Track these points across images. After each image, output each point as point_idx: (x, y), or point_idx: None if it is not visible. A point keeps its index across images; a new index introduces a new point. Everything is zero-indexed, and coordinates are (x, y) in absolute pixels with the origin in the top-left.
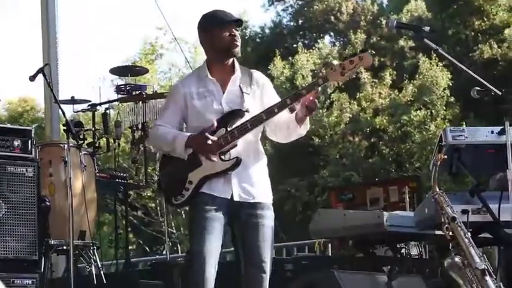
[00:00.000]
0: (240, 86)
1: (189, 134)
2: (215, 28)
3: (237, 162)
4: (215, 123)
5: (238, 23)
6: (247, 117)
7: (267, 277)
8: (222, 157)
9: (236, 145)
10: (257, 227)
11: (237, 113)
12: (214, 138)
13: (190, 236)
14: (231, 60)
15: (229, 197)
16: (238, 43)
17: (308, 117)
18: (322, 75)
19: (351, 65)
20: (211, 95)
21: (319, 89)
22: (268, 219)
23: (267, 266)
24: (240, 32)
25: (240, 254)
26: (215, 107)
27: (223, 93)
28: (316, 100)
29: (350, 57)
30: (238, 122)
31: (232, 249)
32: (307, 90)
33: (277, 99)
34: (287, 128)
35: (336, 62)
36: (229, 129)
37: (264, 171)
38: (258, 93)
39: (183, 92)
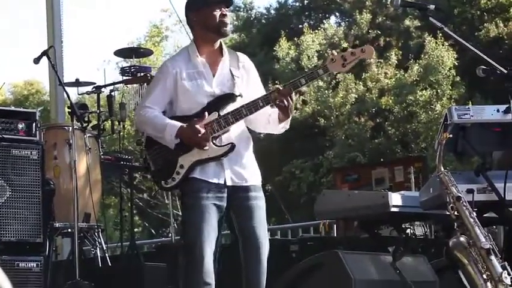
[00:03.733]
0: (230, 69)
1: (179, 124)
2: (205, 7)
3: (231, 148)
4: (206, 115)
5: (228, 2)
6: (239, 101)
7: (265, 256)
8: (215, 142)
9: (229, 130)
10: (251, 209)
11: (230, 96)
12: (204, 130)
13: (186, 225)
14: (219, 42)
15: (223, 182)
16: (228, 22)
17: (289, 118)
18: (323, 64)
19: (353, 56)
20: (201, 76)
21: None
22: (260, 200)
23: (265, 245)
24: (244, 13)
25: (238, 235)
26: (206, 89)
27: (213, 76)
28: (288, 102)
29: (352, 49)
30: (230, 107)
31: (228, 231)
32: (307, 79)
33: (260, 85)
34: (266, 121)
35: (335, 52)
36: (221, 113)
37: (252, 154)
38: (245, 76)
39: (172, 71)
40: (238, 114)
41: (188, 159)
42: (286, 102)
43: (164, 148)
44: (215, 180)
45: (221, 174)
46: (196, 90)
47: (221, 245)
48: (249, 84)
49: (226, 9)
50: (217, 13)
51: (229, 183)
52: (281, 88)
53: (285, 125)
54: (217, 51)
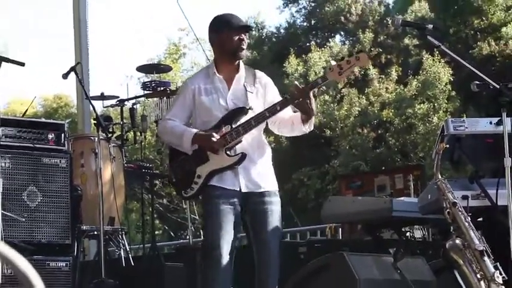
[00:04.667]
0: (244, 84)
1: (196, 130)
2: (226, 31)
3: (242, 157)
4: (223, 130)
5: (248, 29)
6: (250, 114)
7: (277, 260)
8: (228, 153)
9: (241, 141)
10: (265, 214)
11: (241, 110)
12: (218, 136)
13: (205, 229)
14: (236, 61)
15: (238, 189)
16: (245, 47)
17: (313, 118)
18: (322, 75)
19: (348, 65)
20: (217, 91)
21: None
22: (275, 205)
23: (277, 250)
24: (256, 32)
25: (251, 238)
26: (221, 104)
27: (229, 90)
28: (307, 102)
29: (347, 58)
30: (243, 119)
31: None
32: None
33: (279, 97)
34: (291, 124)
35: (333, 62)
36: (234, 126)
37: (268, 161)
38: (261, 91)
39: (191, 88)
40: (247, 126)
41: (205, 170)
42: (304, 99)
43: (184, 160)
44: (231, 187)
45: (236, 182)
46: (212, 105)
47: (237, 247)
48: (267, 97)
49: (245, 34)
50: (236, 38)
51: (244, 189)
52: (297, 87)
53: (310, 126)
54: (235, 68)
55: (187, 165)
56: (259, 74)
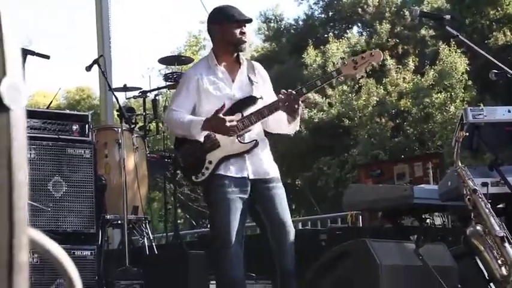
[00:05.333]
0: (248, 76)
1: (203, 118)
2: (227, 23)
3: (256, 144)
4: (225, 104)
5: (249, 21)
6: (259, 103)
7: (292, 236)
8: (240, 139)
9: (251, 130)
10: (273, 197)
11: (251, 99)
12: (229, 117)
13: (213, 219)
14: (235, 53)
15: (246, 175)
16: (246, 40)
17: (298, 119)
18: (336, 68)
19: (362, 60)
20: (221, 81)
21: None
22: (280, 189)
23: (290, 227)
24: (274, 24)
25: (265, 223)
26: (227, 92)
27: (233, 81)
28: (296, 105)
29: (362, 53)
30: (251, 109)
31: (252, 224)
32: (322, 82)
33: (272, 93)
34: (279, 122)
35: (348, 58)
36: (245, 114)
37: (269, 151)
38: (261, 83)
39: (194, 78)
40: (260, 115)
41: (216, 156)
42: (292, 103)
43: (193, 147)
44: (239, 175)
45: (244, 169)
46: (219, 93)
47: (244, 235)
48: (265, 90)
49: (246, 26)
50: (237, 30)
51: (251, 176)
52: (286, 93)
53: (295, 126)
54: (235, 60)
55: (197, 151)
56: (257, 65)
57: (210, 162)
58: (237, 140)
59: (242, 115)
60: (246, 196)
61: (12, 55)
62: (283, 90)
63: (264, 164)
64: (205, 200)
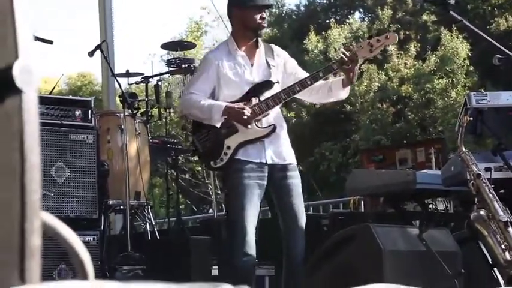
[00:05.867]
0: (266, 59)
1: (225, 103)
2: (249, 8)
3: (273, 129)
4: (253, 100)
5: (269, 7)
6: (276, 88)
7: (303, 228)
8: (258, 124)
9: (269, 114)
10: (290, 187)
11: (268, 83)
12: (250, 110)
13: (230, 202)
14: (254, 37)
15: (264, 161)
16: (266, 25)
17: (349, 85)
18: (352, 51)
19: (378, 43)
20: (241, 66)
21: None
22: (297, 179)
23: (303, 218)
24: (276, 10)
25: (278, 211)
26: (247, 78)
27: (252, 65)
28: (354, 67)
29: (377, 36)
30: (268, 93)
31: (267, 207)
32: (338, 65)
33: (298, 68)
34: (328, 90)
35: (364, 41)
36: (261, 98)
37: (287, 136)
38: (281, 65)
39: (215, 63)
40: (278, 99)
41: (235, 141)
42: (353, 65)
43: (211, 132)
44: (257, 160)
45: (262, 154)
46: (238, 79)
47: (259, 219)
48: (286, 69)
49: (266, 12)
50: (258, 15)
51: (269, 161)
52: (347, 53)
53: (347, 92)
54: (254, 44)
55: (215, 136)
56: (276, 48)
57: (229, 148)
58: (255, 124)
59: (259, 99)
60: (263, 182)
61: (25, 38)
62: (342, 50)
63: (283, 149)
64: (224, 184)
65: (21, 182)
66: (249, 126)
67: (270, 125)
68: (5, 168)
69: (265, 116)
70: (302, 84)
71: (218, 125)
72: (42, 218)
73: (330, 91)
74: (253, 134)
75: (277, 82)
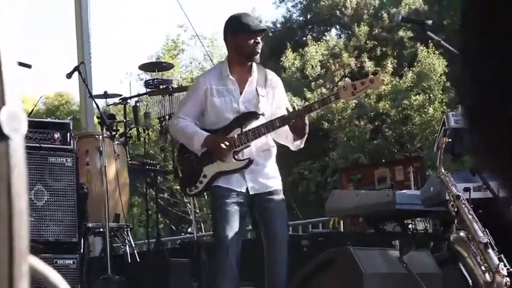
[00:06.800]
0: (256, 88)
1: (206, 134)
2: (242, 33)
3: (250, 162)
4: (234, 135)
5: (263, 31)
6: (261, 119)
7: (285, 250)
8: (236, 157)
9: (249, 146)
10: (274, 210)
11: (253, 115)
12: (227, 143)
13: (214, 225)
14: (249, 63)
15: (244, 190)
16: (260, 50)
17: (304, 137)
18: (335, 92)
19: (362, 86)
20: (230, 94)
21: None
22: (281, 202)
23: (284, 242)
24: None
25: (262, 234)
26: (233, 106)
27: (241, 93)
28: (305, 126)
29: (362, 79)
30: (253, 124)
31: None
32: (319, 105)
33: (285, 100)
34: (285, 137)
35: (348, 81)
36: (244, 130)
37: (274, 162)
38: (271, 94)
39: (204, 87)
40: (257, 132)
41: (212, 170)
42: (299, 123)
43: (192, 158)
44: (238, 189)
45: (243, 184)
46: (224, 107)
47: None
48: (274, 100)
49: (260, 37)
50: (251, 41)
51: (251, 192)
52: (292, 109)
53: (300, 144)
54: (247, 70)
55: (195, 163)
56: (270, 75)
57: (205, 176)
58: (233, 157)
59: (241, 130)
60: (245, 209)
61: (11, 83)
62: (288, 107)
63: (265, 177)
64: (210, 209)
65: (9, 227)
66: (224, 159)
67: (246, 158)
68: None
69: (246, 147)
70: (282, 120)
71: (199, 154)
72: (31, 263)
73: (286, 138)
74: (230, 166)
75: (262, 114)
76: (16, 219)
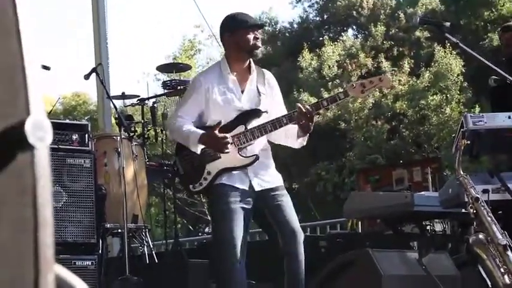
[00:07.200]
0: (257, 86)
1: (201, 132)
2: (240, 29)
3: (256, 159)
4: (239, 128)
5: (261, 26)
6: (264, 117)
7: (302, 243)
8: (241, 153)
9: (254, 143)
10: (281, 205)
11: (257, 112)
12: (222, 135)
13: (217, 226)
14: (248, 60)
15: (248, 188)
16: (260, 45)
17: (307, 136)
18: (344, 90)
19: (371, 84)
20: (231, 92)
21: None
22: (286, 196)
23: (300, 234)
24: (269, 28)
25: (276, 230)
26: (236, 105)
27: (242, 92)
28: (309, 121)
29: (371, 77)
30: (256, 121)
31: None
32: (328, 102)
33: (281, 102)
34: (285, 135)
35: (358, 81)
36: (248, 127)
37: (272, 161)
38: (269, 92)
39: (205, 87)
40: (263, 129)
41: (215, 167)
42: (307, 121)
43: (192, 155)
44: (241, 186)
45: (246, 181)
46: (227, 105)
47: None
48: (273, 99)
49: (259, 32)
50: (251, 36)
51: (257, 188)
52: (303, 109)
53: (303, 141)
54: (247, 69)
55: (197, 160)
56: (268, 74)
57: (209, 173)
58: (237, 153)
59: (246, 128)
60: (249, 207)
61: (36, 93)
62: (299, 105)
63: (268, 174)
64: (209, 208)
65: (34, 237)
66: (226, 151)
67: (253, 155)
68: (17, 223)
69: (250, 144)
70: (289, 118)
71: (198, 152)
72: (56, 272)
73: (286, 137)
74: (235, 163)
75: (266, 112)
76: (41, 229)
